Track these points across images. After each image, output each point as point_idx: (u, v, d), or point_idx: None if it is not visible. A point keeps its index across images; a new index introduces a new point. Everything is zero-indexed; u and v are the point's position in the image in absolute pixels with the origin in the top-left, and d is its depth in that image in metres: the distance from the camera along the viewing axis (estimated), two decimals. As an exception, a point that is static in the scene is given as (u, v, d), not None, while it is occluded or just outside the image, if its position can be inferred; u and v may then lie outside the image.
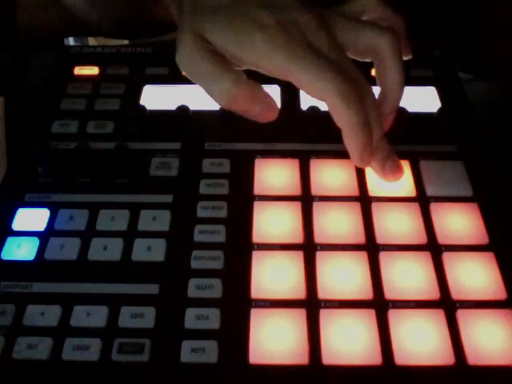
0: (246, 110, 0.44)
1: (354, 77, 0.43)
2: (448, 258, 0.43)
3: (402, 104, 0.47)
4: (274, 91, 0.53)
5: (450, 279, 0.42)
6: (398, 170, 0.46)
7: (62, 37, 0.74)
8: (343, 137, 0.43)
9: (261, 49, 0.42)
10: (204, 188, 0.48)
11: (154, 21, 0.60)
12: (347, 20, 0.46)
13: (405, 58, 0.47)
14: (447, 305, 0.41)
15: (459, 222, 0.45)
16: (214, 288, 0.41)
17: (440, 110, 0.53)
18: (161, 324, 0.40)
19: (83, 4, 0.60)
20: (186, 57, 0.44)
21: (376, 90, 0.46)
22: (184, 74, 0.45)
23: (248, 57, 0.43)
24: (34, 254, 0.43)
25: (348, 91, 0.41)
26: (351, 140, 0.43)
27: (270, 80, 0.47)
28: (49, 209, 0.46)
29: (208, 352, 0.38)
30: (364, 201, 0.47)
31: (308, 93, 0.43)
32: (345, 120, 0.42)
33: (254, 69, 0.45)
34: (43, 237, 0.44)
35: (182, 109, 0.52)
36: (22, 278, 0.42)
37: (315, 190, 0.47)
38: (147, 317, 0.40)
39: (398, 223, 0.45)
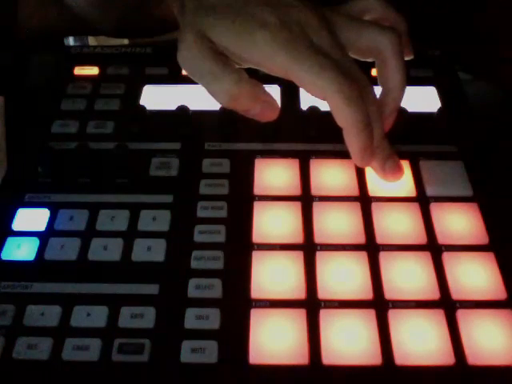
0: (247, 109, 0.44)
1: (355, 76, 0.43)
2: (448, 258, 0.43)
3: (402, 104, 0.47)
4: (274, 91, 0.53)
5: (450, 279, 0.42)
6: (398, 170, 0.46)
7: (62, 36, 0.74)
8: (344, 136, 0.43)
9: (262, 47, 0.43)
10: (204, 188, 0.48)
11: (156, 20, 0.60)
12: (349, 19, 0.46)
13: (406, 58, 0.47)
14: (447, 305, 0.41)
15: (459, 222, 0.45)
16: (214, 288, 0.41)
17: (440, 109, 0.53)
18: (161, 324, 0.40)
19: (84, 3, 0.60)
20: (188, 55, 0.44)
21: (377, 90, 0.46)
22: (185, 72, 0.45)
23: (250, 55, 0.43)
24: (34, 254, 0.43)
25: (349, 90, 0.41)
26: (352, 139, 0.43)
27: (271, 80, 0.47)
28: (49, 209, 0.46)
29: (208, 352, 0.38)
30: (364, 201, 0.47)
31: (309, 91, 0.43)
32: (346, 119, 0.42)
33: (256, 67, 0.45)
34: (43, 237, 0.44)
35: (182, 109, 0.52)
36: (22, 278, 0.42)
37: (315, 190, 0.47)
38: (147, 317, 0.40)
39: (398, 223, 0.45)
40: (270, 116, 0.45)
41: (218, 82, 0.43)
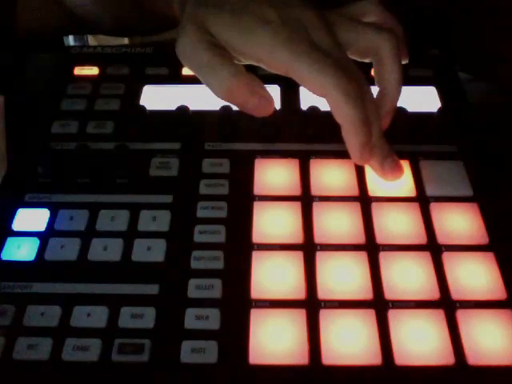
0: (244, 102, 0.44)
1: (354, 75, 0.43)
2: (448, 258, 0.43)
3: (402, 104, 0.47)
4: (273, 91, 0.53)
5: (450, 279, 0.42)
6: (397, 168, 0.46)
7: (62, 35, 0.74)
8: (343, 133, 0.43)
9: (263, 44, 0.43)
10: (204, 188, 0.48)
11: (156, 17, 0.60)
12: (348, 21, 0.47)
13: (402, 62, 0.47)
14: (447, 305, 0.41)
15: (459, 222, 0.45)
16: (214, 288, 0.41)
17: (440, 109, 0.53)
18: (161, 324, 0.40)
19: (85, 1, 0.60)
20: (187, 47, 0.44)
21: (374, 90, 0.46)
22: (184, 66, 0.45)
23: (250, 51, 0.44)
24: (34, 255, 0.43)
25: (349, 88, 0.41)
26: (351, 136, 0.43)
27: (270, 80, 0.47)
28: (49, 209, 0.46)
29: (208, 352, 0.38)
30: (364, 201, 0.47)
31: (309, 89, 0.43)
32: (345, 116, 0.42)
33: (256, 64, 0.45)
34: (43, 237, 0.44)
35: (182, 109, 0.52)
36: (22, 279, 0.42)
37: (315, 190, 0.47)
38: (147, 317, 0.40)
39: (398, 223, 0.45)
40: (266, 111, 0.45)
41: (216, 73, 0.43)
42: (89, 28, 0.65)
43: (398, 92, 0.46)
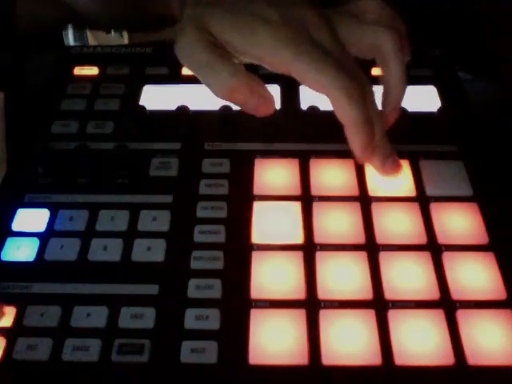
0: (244, 102, 0.44)
1: (356, 74, 0.43)
2: (448, 258, 0.43)
3: (402, 104, 0.47)
4: (273, 91, 0.53)
5: (450, 279, 0.42)
6: (397, 168, 0.46)
7: (61, 30, 0.74)
8: (346, 133, 0.43)
9: (265, 44, 0.43)
10: (204, 188, 0.48)
11: (155, 16, 0.60)
12: (349, 19, 0.46)
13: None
14: (447, 305, 0.41)
15: (459, 222, 0.45)
16: (214, 288, 0.41)
17: (440, 109, 0.53)
18: (161, 324, 0.40)
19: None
20: (187, 46, 0.44)
21: (376, 90, 0.46)
22: (184, 66, 0.45)
23: (252, 51, 0.44)
24: (34, 255, 0.43)
25: (351, 87, 0.41)
26: (354, 136, 0.43)
27: (270, 79, 0.47)
28: (49, 209, 0.46)
29: (208, 352, 0.38)
30: (364, 201, 0.47)
31: (310, 87, 0.43)
32: (347, 116, 0.42)
33: (257, 63, 0.45)
34: (43, 237, 0.44)
35: (182, 109, 0.52)
36: (22, 279, 0.42)
37: (315, 190, 0.47)
38: (147, 317, 0.40)
39: (398, 223, 0.45)
40: (266, 111, 0.45)
41: (215, 73, 0.43)
42: (88, 24, 0.65)
43: (402, 90, 0.46)
